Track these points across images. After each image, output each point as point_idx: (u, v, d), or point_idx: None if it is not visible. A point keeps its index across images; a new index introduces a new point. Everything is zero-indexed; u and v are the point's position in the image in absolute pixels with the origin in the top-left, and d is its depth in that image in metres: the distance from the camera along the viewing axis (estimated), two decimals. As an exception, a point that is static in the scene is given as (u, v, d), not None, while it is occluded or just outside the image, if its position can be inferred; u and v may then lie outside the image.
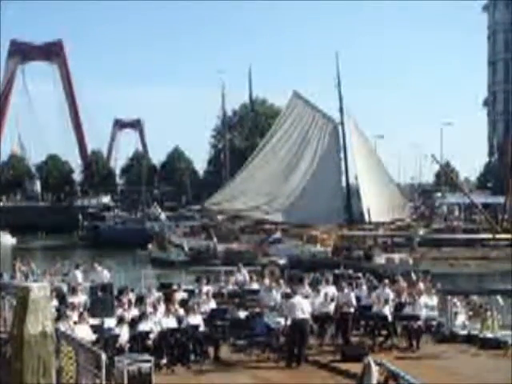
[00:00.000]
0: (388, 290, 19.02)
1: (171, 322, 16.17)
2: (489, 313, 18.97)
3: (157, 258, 48.71)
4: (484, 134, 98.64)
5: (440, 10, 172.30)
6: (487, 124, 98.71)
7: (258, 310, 18.40)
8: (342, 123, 49.77)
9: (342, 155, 49.61)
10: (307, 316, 16.40)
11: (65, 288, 21.00)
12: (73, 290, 19.28)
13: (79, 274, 23.22)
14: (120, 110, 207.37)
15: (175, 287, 20.56)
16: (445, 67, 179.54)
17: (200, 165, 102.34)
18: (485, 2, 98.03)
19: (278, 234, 48.82)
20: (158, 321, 16.14)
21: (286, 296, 18.06)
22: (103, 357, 12.03)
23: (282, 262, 40.56)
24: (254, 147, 57.50)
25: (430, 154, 65.13)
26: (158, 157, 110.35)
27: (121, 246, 55.07)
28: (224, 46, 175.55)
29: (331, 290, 19.21)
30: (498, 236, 45.81)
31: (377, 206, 47.97)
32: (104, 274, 23.19)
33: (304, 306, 16.28)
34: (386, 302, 18.33)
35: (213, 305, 18.16)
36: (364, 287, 20.22)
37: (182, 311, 17.07)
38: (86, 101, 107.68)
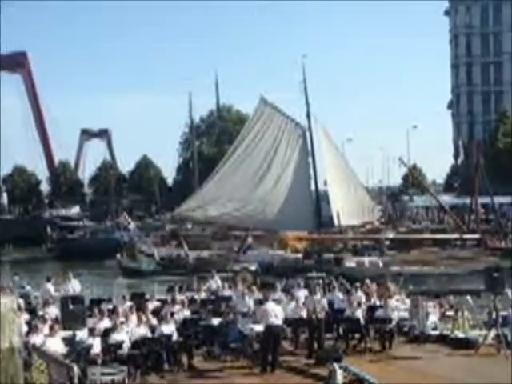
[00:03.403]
0: (360, 293, 19.16)
1: (144, 332, 16.09)
2: (459, 313, 19.21)
3: (127, 268, 48.35)
4: (449, 137, 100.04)
5: (403, 15, 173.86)
6: (452, 126, 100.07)
7: (231, 316, 18.38)
8: (310, 128, 49.99)
9: (310, 160, 49.83)
10: (280, 322, 16.44)
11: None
12: (44, 303, 19.07)
13: (51, 287, 22.97)
14: (87, 120, 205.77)
15: (147, 297, 20.47)
16: (410, 71, 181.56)
17: (169, 173, 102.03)
18: (446, 6, 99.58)
19: (249, 240, 48.85)
20: (131, 331, 16.06)
21: (259, 302, 18.08)
22: (75, 369, 11.95)
23: (253, 268, 40.59)
24: (222, 154, 57.44)
25: (398, 157, 65.83)
26: (126, 166, 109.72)
27: (90, 257, 54.53)
28: (188, 54, 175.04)
29: (303, 294, 19.31)
30: (465, 236, 46.43)
31: (346, 209, 48.22)
32: (76, 285, 22.98)
33: (277, 312, 16.31)
34: (359, 305, 18.47)
35: (186, 313, 18.09)
36: (337, 291, 20.35)
37: (154, 320, 17.00)
38: (52, 111, 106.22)
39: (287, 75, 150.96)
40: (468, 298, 20.86)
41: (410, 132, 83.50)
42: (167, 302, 19.54)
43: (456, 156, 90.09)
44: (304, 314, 17.90)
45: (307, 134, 49.85)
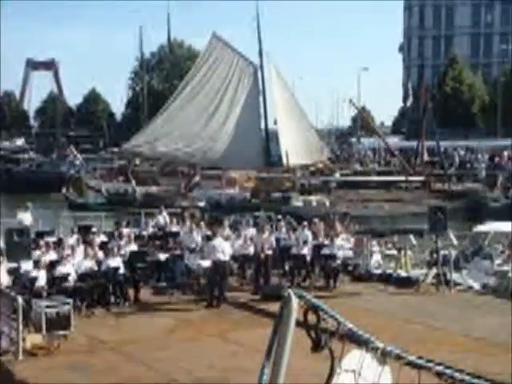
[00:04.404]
0: (307, 232, 19.39)
1: (90, 265, 16.03)
2: (402, 252, 19.67)
3: (74, 202, 47.80)
4: (399, 80, 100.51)
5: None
6: (402, 69, 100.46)
7: (178, 252, 18.45)
8: (262, 67, 49.60)
9: (261, 99, 49.58)
10: (227, 258, 16.58)
11: None
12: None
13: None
14: (33, 52, 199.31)
15: (94, 230, 20.33)
16: (364, 13, 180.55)
17: (118, 108, 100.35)
18: None
19: (197, 178, 48.73)
20: (77, 263, 15.99)
21: (207, 238, 18.16)
22: (20, 300, 11.87)
23: (201, 204, 40.61)
24: (173, 89, 56.61)
25: (348, 98, 66.01)
26: (74, 99, 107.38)
27: (36, 190, 53.63)
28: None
29: (251, 231, 19.48)
30: (410, 178, 47.25)
31: (295, 149, 48.37)
32: (26, 217, 22.75)
33: (224, 248, 16.43)
34: (305, 243, 18.72)
35: (133, 247, 18.07)
36: (283, 229, 20.56)
37: (101, 254, 16.94)
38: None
39: (241, 12, 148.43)
40: (411, 237, 21.34)
41: (362, 74, 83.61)
42: (114, 235, 19.46)
43: (405, 99, 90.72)
44: (251, 250, 18.10)
45: (259, 72, 49.48)
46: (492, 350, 12.19)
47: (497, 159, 52.39)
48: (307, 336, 3.53)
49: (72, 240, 18.17)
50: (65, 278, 15.17)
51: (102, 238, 19.54)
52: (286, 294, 3.62)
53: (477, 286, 18.22)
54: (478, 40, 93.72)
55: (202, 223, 20.97)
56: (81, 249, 17.00)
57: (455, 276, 18.10)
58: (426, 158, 53.62)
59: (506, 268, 19.16)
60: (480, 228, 22.36)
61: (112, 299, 15.81)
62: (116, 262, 16.30)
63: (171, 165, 51.00)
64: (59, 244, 17.76)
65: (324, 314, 3.61)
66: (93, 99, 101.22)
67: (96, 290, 15.53)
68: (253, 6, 50.63)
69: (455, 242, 21.35)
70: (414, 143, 54.66)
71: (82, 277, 15.44)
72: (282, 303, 3.61)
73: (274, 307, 13.29)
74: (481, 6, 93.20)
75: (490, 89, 75.87)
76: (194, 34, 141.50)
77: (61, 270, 15.41)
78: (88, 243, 17.55)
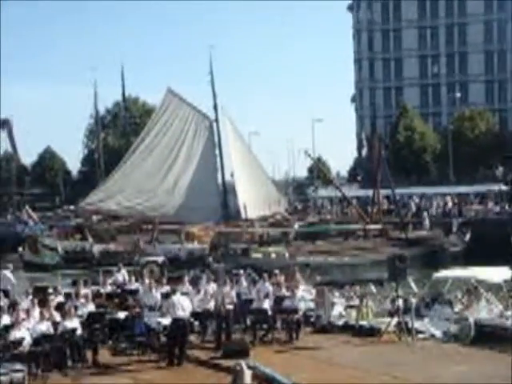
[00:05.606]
0: (267, 284, 19.27)
1: (46, 328, 15.58)
2: (364, 302, 19.65)
3: (30, 262, 46.87)
4: (353, 130, 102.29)
5: (310, 11, 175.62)
6: (355, 119, 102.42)
7: (137, 310, 18.09)
8: (217, 120, 49.97)
9: (217, 152, 49.82)
10: (187, 314, 16.31)
11: None
12: None
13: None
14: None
15: (51, 291, 19.86)
16: (315, 65, 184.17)
17: (73, 165, 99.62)
18: (349, 2, 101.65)
19: (154, 234, 48.34)
20: (32, 327, 15.52)
21: (166, 295, 17.88)
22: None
23: (160, 260, 40.18)
24: (128, 146, 56.52)
25: (304, 149, 66.62)
26: (28, 157, 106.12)
27: (-10, 251, 52.46)
28: (94, 43, 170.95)
29: (211, 286, 19.26)
30: (368, 227, 47.62)
31: (253, 202, 48.49)
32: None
33: (184, 305, 16.17)
34: (266, 296, 18.57)
35: (91, 307, 17.66)
36: (244, 282, 20.39)
37: (58, 315, 16.50)
38: None
39: (195, 67, 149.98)
40: (372, 287, 21.38)
41: (315, 125, 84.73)
42: (71, 296, 19.01)
43: (359, 149, 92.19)
44: (212, 305, 17.86)
45: (214, 125, 49.82)
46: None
47: (449, 205, 53.42)
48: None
49: (27, 302, 17.68)
50: (19, 342, 14.68)
51: (59, 298, 19.09)
52: (238, 368, 3.48)
53: (438, 333, 18.24)
54: (427, 90, 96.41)
55: (164, 280, 20.59)
56: (36, 311, 16.53)
57: (417, 324, 18.09)
58: (385, 206, 54.33)
59: (466, 314, 19.27)
60: (439, 274, 22.51)
61: (69, 362, 15.34)
62: (73, 323, 15.88)
63: (129, 221, 50.55)
64: (13, 307, 17.25)
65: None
66: (48, 157, 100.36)
67: (52, 354, 15.05)
68: (206, 61, 51.23)
69: (415, 289, 21.45)
70: (369, 192, 55.30)
71: (37, 340, 14.97)
72: (233, 376, 3.48)
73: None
74: (427, 58, 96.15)
75: (440, 137, 77.65)
76: (149, 90, 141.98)
77: (15, 334, 14.94)
78: (44, 305, 17.09)
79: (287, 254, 40.92)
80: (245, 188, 48.95)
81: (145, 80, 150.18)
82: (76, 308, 17.00)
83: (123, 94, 79.09)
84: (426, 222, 49.02)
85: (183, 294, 17.25)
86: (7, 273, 23.00)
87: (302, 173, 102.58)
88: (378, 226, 47.39)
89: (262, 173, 52.46)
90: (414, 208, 54.59)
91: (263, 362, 14.21)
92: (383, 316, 19.35)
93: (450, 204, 53.27)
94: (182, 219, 47.23)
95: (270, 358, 15.09)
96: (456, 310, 20.05)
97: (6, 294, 19.47)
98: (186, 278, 20.40)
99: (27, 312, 16.37)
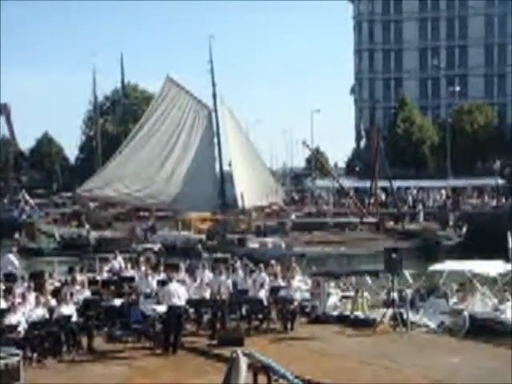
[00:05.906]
0: (264, 274, 19.28)
1: (42, 313, 15.60)
2: (359, 293, 19.69)
3: (26, 248, 46.89)
4: (352, 121, 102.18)
5: (309, 1, 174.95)
6: (354, 111, 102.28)
7: (133, 297, 18.11)
8: (216, 109, 49.91)
9: (215, 141, 49.77)
10: (183, 302, 16.33)
11: None
12: None
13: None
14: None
15: (47, 276, 19.86)
16: (315, 55, 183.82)
17: (71, 151, 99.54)
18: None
19: (151, 221, 48.42)
20: (28, 312, 15.54)
21: (162, 283, 17.89)
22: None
23: (156, 248, 40.25)
24: (127, 133, 56.47)
25: (302, 139, 66.68)
26: (26, 143, 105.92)
27: (-13, 236, 52.46)
28: (94, 30, 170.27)
29: (207, 275, 19.29)
30: (364, 220, 47.75)
31: (250, 191, 48.52)
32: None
33: (180, 293, 16.18)
34: (262, 286, 18.59)
35: (87, 294, 17.68)
36: (240, 272, 20.41)
37: (53, 301, 16.51)
38: None
39: (195, 57, 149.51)
40: (367, 278, 21.42)
41: (314, 115, 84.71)
42: (67, 282, 19.02)
43: (358, 140, 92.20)
44: (207, 294, 17.89)
45: (213, 114, 49.73)
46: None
47: (444, 198, 53.58)
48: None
49: (23, 287, 17.69)
50: (15, 327, 14.70)
51: (55, 284, 19.10)
52: (234, 355, 3.48)
53: (433, 325, 18.32)
54: (426, 82, 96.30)
55: (161, 267, 20.55)
56: (32, 296, 16.55)
57: (412, 316, 18.15)
58: (383, 198, 54.44)
59: (460, 307, 19.35)
60: (435, 267, 22.57)
61: (64, 348, 15.37)
62: (69, 309, 15.89)
63: (126, 208, 50.62)
64: (9, 292, 17.25)
65: (274, 374, 3.49)
66: (46, 143, 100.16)
67: (48, 339, 15.07)
68: (206, 51, 51.08)
69: (411, 281, 21.52)
70: (367, 183, 55.34)
71: (33, 326, 14.98)
72: (229, 364, 3.48)
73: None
74: (427, 50, 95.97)
75: (438, 130, 77.63)
76: (148, 78, 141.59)
77: (10, 319, 14.95)
78: (40, 290, 17.10)
79: (283, 245, 41.00)
80: (242, 178, 48.95)
81: (144, 68, 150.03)
82: (72, 294, 17.01)
83: (122, 81, 79.05)
84: (421, 215, 49.12)
85: (179, 281, 17.24)
86: (11, 256, 23.07)
87: (299, 163, 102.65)
88: (374, 220, 47.58)
89: (259, 163, 52.46)
90: (410, 201, 54.72)
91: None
92: (378, 307, 19.39)
93: (444, 197, 53.40)
94: (180, 207, 47.27)
95: (265, 347, 15.12)
96: (451, 302, 20.14)
97: (10, 277, 19.47)
98: (183, 266, 20.41)
99: (23, 297, 16.38)
